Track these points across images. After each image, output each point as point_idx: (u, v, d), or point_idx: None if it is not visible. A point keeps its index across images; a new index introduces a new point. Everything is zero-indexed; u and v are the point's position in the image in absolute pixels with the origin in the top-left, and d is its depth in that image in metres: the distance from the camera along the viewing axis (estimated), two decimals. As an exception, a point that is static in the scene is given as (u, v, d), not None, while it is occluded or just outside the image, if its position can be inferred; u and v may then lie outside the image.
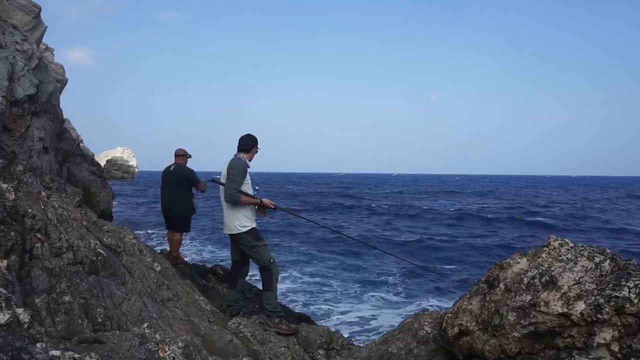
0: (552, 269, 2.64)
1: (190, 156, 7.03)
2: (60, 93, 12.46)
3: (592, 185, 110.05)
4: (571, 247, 2.78)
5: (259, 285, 5.41)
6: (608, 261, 2.58)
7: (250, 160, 4.76)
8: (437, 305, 10.79)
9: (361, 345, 5.34)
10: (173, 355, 2.18)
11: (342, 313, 10.58)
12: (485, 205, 40.76)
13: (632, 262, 2.55)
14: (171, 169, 6.84)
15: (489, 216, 30.87)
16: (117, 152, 78.93)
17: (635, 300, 2.23)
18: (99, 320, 3.01)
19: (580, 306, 2.37)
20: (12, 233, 2.74)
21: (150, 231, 19.89)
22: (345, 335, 5.68)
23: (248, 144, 4.76)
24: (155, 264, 4.82)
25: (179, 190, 6.72)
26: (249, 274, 5.34)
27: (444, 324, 3.10)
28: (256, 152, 4.88)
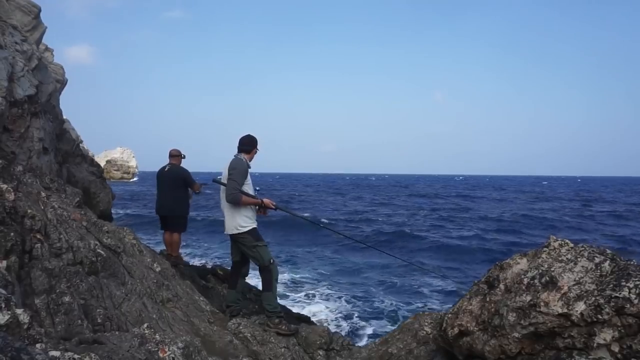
0: (552, 269, 2.64)
1: (184, 157, 7.02)
2: (60, 93, 12.46)
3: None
4: (571, 248, 2.78)
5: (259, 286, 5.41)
6: (608, 261, 2.58)
7: (250, 161, 4.76)
8: (437, 306, 10.79)
9: (361, 345, 5.34)
10: (173, 355, 2.18)
11: (342, 313, 10.58)
12: None
13: (632, 263, 2.55)
14: (166, 169, 6.83)
15: None
16: (117, 153, 78.97)
17: (636, 301, 2.23)
18: (99, 320, 3.00)
19: (580, 307, 2.36)
20: (12, 233, 2.74)
21: (150, 231, 19.89)
22: (345, 336, 5.68)
23: (249, 145, 4.76)
24: (155, 265, 4.82)
25: (175, 191, 6.71)
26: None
27: (444, 325, 3.10)
28: (256, 152, 4.88)
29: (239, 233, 4.56)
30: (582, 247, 2.77)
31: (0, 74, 5.73)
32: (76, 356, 1.62)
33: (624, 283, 2.33)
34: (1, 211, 2.81)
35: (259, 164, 5.05)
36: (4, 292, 1.80)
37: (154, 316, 3.74)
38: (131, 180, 76.07)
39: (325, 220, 26.37)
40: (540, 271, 2.67)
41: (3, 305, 1.68)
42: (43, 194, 3.91)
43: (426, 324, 3.94)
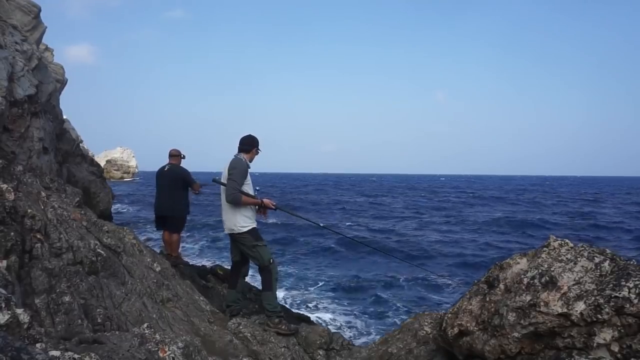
0: (552, 269, 2.64)
1: (184, 157, 7.01)
2: (60, 93, 12.47)
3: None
4: (571, 248, 2.78)
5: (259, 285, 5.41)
6: (608, 261, 2.58)
7: (250, 161, 4.76)
8: (437, 306, 10.79)
9: (361, 345, 5.34)
10: (173, 355, 2.18)
11: (342, 313, 10.58)
12: None
13: (631, 263, 2.55)
14: (165, 169, 6.82)
15: None
16: (117, 153, 78.94)
17: (635, 301, 2.23)
18: (99, 320, 3.01)
19: (580, 306, 2.37)
20: (12, 233, 2.74)
21: (150, 231, 19.89)
22: (345, 336, 5.68)
23: (249, 145, 4.76)
24: (155, 264, 4.82)
25: (174, 191, 6.70)
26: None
27: (444, 324, 3.10)
28: (257, 153, 4.87)
29: (238, 233, 4.57)
30: (582, 247, 2.77)
31: (0, 74, 5.73)
32: (76, 356, 1.62)
33: (623, 283, 2.33)
34: (1, 211, 2.81)
35: (259, 164, 5.07)
36: (4, 292, 1.80)
37: (154, 316, 3.74)
38: (131, 180, 76.09)
39: (325, 222, 26.37)
40: (540, 271, 2.67)
41: (3, 305, 1.68)
42: (43, 194, 3.91)
43: (426, 323, 3.94)
